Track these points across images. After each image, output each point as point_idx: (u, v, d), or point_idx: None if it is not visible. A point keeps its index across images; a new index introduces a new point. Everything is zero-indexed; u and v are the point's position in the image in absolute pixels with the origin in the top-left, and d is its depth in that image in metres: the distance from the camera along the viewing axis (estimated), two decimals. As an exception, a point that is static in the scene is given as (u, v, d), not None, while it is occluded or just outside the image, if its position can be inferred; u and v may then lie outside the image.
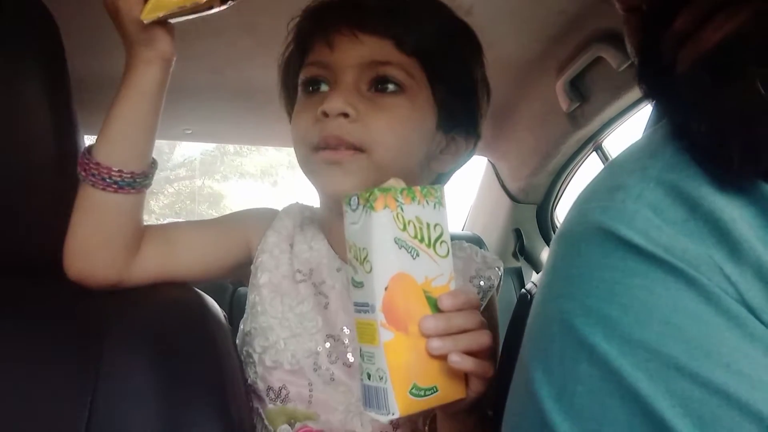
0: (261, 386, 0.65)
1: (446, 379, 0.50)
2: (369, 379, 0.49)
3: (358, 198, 0.50)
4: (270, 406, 0.65)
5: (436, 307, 0.50)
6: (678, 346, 0.28)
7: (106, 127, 0.57)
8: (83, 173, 0.56)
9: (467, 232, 1.72)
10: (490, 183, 1.64)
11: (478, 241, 1.54)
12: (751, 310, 0.28)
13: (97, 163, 0.56)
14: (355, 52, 0.62)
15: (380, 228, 0.48)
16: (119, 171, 0.56)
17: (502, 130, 1.41)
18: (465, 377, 0.52)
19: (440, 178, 0.73)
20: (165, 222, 0.80)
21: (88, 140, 0.60)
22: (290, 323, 0.65)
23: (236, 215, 0.73)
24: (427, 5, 0.66)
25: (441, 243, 0.51)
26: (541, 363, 0.32)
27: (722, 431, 0.26)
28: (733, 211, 0.30)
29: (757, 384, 0.27)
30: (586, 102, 1.13)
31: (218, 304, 0.66)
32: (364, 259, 0.49)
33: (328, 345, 0.65)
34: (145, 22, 0.53)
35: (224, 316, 0.65)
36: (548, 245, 1.58)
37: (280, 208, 0.74)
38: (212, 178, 6.34)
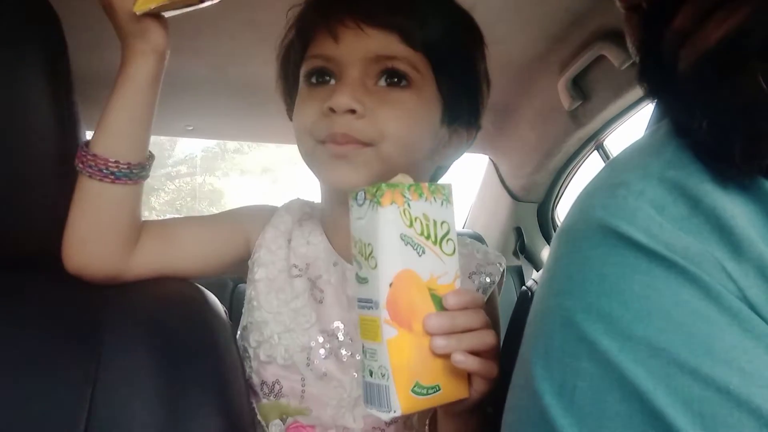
0: (255, 381, 0.66)
1: (449, 378, 0.50)
2: (371, 376, 0.49)
3: (365, 193, 0.49)
4: (263, 400, 0.65)
5: (440, 305, 0.50)
6: (679, 343, 0.28)
7: (102, 119, 0.57)
8: (80, 165, 0.57)
9: (468, 231, 1.72)
10: (491, 181, 1.64)
11: (478, 240, 1.54)
12: (752, 307, 0.28)
13: (94, 155, 0.57)
14: (361, 46, 0.61)
15: (386, 224, 0.48)
16: (116, 162, 0.57)
17: (503, 128, 1.40)
18: (468, 377, 0.52)
19: (437, 171, 0.73)
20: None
21: (90, 135, 0.60)
22: (284, 318, 0.65)
23: (236, 211, 0.73)
24: None
25: (447, 241, 0.50)
26: (541, 359, 0.33)
27: (722, 427, 0.26)
28: (734, 209, 0.30)
29: (758, 381, 0.27)
30: (588, 100, 1.13)
31: (219, 300, 0.66)
32: (369, 254, 0.48)
33: (321, 339, 0.65)
34: (137, 13, 0.54)
35: (225, 311, 0.65)
36: (549, 244, 1.58)
37: (280, 205, 0.74)
38: (213, 175, 6.34)
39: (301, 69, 0.66)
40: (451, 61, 0.64)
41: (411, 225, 0.48)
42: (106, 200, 0.58)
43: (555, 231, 1.49)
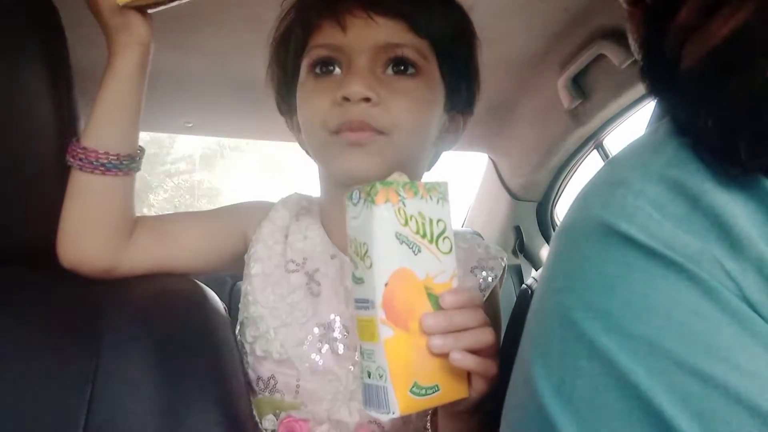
0: (251, 376, 0.66)
1: (448, 377, 0.50)
2: (369, 377, 0.49)
3: (359, 192, 0.49)
4: (258, 396, 0.65)
5: (437, 304, 0.49)
6: (678, 341, 0.28)
7: (91, 113, 0.58)
8: (71, 159, 0.57)
9: (467, 229, 1.72)
10: (490, 180, 1.64)
11: (477, 238, 1.54)
12: (752, 306, 0.28)
13: (84, 148, 0.57)
14: (370, 35, 0.61)
15: (381, 222, 0.47)
16: (105, 153, 0.58)
17: (503, 126, 1.40)
18: (468, 376, 0.51)
19: (433, 158, 0.74)
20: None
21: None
22: (280, 313, 0.65)
23: (233, 207, 0.73)
24: None
25: (444, 239, 0.50)
26: (540, 357, 0.33)
27: (721, 426, 0.26)
28: (734, 207, 0.30)
29: (757, 379, 0.27)
30: (588, 99, 1.13)
31: (218, 297, 0.66)
32: (365, 254, 0.48)
33: (317, 331, 0.65)
34: (120, 5, 0.55)
35: (224, 308, 0.65)
36: (548, 243, 1.58)
37: (276, 200, 0.74)
38: (212, 172, 6.34)
39: (302, 59, 0.66)
40: (453, 47, 0.66)
41: (406, 223, 0.48)
42: (97, 192, 0.59)
43: (554, 230, 1.49)
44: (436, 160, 0.75)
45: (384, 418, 0.48)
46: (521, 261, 1.61)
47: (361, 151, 0.60)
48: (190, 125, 1.47)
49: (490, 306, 0.70)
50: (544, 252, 1.59)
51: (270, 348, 0.64)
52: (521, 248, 1.59)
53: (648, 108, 1.09)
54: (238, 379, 0.60)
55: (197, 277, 0.67)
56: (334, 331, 0.65)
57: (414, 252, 0.48)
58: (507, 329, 0.76)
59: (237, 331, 0.69)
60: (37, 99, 0.54)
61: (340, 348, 0.64)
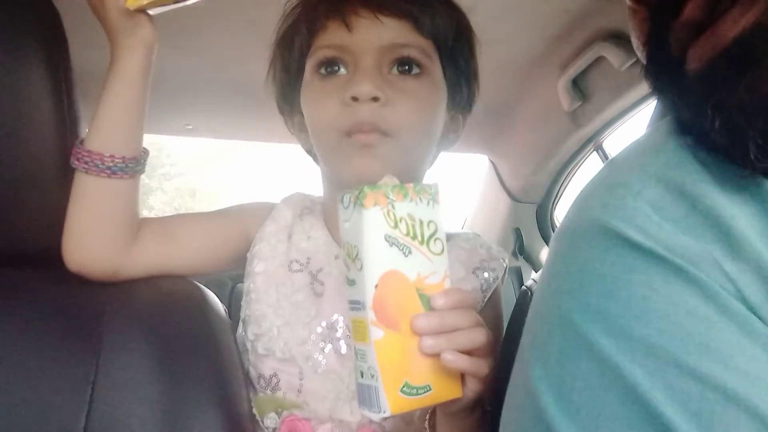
0: (253, 374, 0.66)
1: (441, 378, 0.50)
2: (362, 377, 0.49)
3: (350, 196, 0.50)
4: (260, 394, 0.65)
5: (429, 305, 0.50)
6: (677, 343, 0.28)
7: (96, 115, 0.58)
8: (76, 162, 0.57)
9: (467, 231, 1.72)
10: (490, 182, 1.64)
11: (477, 240, 1.53)
12: (750, 308, 0.28)
13: (89, 151, 0.57)
14: (376, 35, 0.61)
15: (370, 225, 0.48)
16: (111, 156, 0.58)
17: (502, 128, 1.40)
18: (462, 376, 0.52)
19: (432, 159, 0.74)
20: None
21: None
22: (284, 311, 0.66)
23: (235, 207, 0.74)
24: None
25: (435, 240, 0.50)
26: (540, 359, 0.33)
27: (720, 427, 0.26)
28: (733, 209, 0.30)
29: (755, 381, 0.27)
30: (588, 101, 1.13)
31: (218, 299, 0.66)
32: (356, 256, 0.49)
33: (320, 330, 0.65)
34: (130, 9, 0.55)
35: (224, 310, 0.65)
36: (548, 245, 1.58)
37: (279, 201, 0.74)
38: (212, 175, 6.34)
39: (307, 60, 0.66)
40: (456, 47, 0.66)
41: (396, 226, 0.49)
42: (103, 195, 0.59)
43: (554, 232, 1.49)
44: (435, 160, 0.75)
45: (376, 417, 0.48)
46: (521, 263, 1.61)
47: (370, 154, 0.61)
48: (191, 127, 1.47)
49: (491, 306, 0.70)
50: (544, 254, 1.59)
51: (273, 346, 0.64)
52: (521, 250, 1.59)
53: (648, 110, 1.09)
54: (238, 380, 0.60)
55: (197, 278, 0.67)
56: (337, 330, 0.65)
57: (404, 254, 0.49)
58: (507, 330, 0.76)
59: (238, 330, 0.69)
60: (39, 102, 0.54)
61: (343, 348, 0.64)
